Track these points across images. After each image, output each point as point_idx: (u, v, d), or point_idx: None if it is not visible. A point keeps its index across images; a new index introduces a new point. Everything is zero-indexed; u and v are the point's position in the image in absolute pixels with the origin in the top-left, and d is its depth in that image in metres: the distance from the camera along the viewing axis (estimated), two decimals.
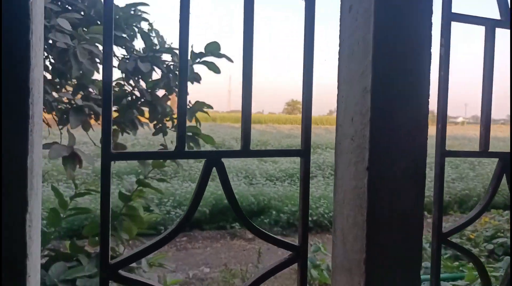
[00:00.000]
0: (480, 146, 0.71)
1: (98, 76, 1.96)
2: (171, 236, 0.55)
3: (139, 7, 2.04)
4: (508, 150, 0.71)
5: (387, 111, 0.57)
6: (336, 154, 0.65)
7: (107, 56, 0.47)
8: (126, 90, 2.18)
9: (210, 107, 1.93)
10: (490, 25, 0.68)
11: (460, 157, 0.82)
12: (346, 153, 0.62)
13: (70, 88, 2.05)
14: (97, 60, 1.86)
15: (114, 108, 2.28)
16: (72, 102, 1.66)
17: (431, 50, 0.61)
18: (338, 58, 0.66)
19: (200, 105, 1.95)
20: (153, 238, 0.56)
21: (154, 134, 2.23)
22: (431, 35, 0.60)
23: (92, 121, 2.05)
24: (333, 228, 0.66)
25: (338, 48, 0.67)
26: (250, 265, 4.78)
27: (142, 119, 2.24)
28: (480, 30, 0.69)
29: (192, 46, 1.99)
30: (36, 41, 0.46)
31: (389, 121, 0.57)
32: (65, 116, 1.73)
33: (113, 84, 2.25)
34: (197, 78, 2.08)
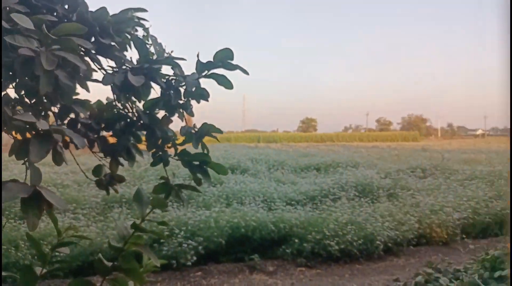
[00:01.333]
0: None
1: (84, 94, 1.53)
2: None
3: (136, 13, 1.61)
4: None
5: None
6: None
7: None
8: (120, 112, 1.73)
9: (219, 131, 1.47)
10: None
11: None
12: None
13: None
14: (80, 73, 1.42)
15: (109, 133, 1.82)
16: (38, 127, 1.21)
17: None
18: None
19: (208, 129, 1.48)
20: None
21: (152, 164, 1.76)
22: None
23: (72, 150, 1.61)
24: None
25: None
26: None
27: (141, 147, 1.80)
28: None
29: (198, 55, 1.54)
30: None
31: None
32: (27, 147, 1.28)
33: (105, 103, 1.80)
34: (204, 95, 1.61)
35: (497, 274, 4.13)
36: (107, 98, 1.78)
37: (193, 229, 5.41)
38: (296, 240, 5.44)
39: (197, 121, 1.71)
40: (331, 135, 56.47)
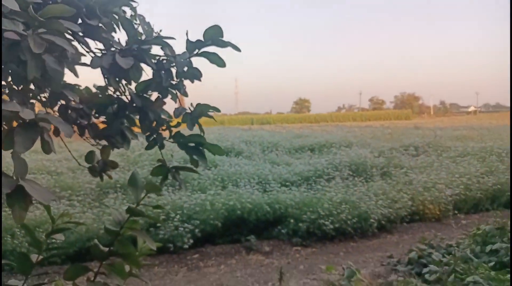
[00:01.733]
0: None
1: (73, 79, 1.48)
2: None
3: None
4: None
5: None
6: None
7: None
8: (111, 95, 1.69)
9: (217, 109, 1.44)
10: None
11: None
12: None
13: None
14: (67, 56, 1.37)
15: (101, 120, 1.78)
16: (20, 116, 1.17)
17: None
18: None
19: (204, 108, 1.46)
20: None
21: (147, 148, 1.74)
22: None
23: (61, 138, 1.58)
24: None
25: None
26: (271, 283, 4.28)
27: (136, 129, 1.77)
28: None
29: (187, 33, 1.50)
30: None
31: None
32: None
33: (95, 89, 1.75)
34: (197, 75, 1.57)
35: (488, 248, 4.23)
36: (94, 85, 1.74)
37: (189, 213, 5.43)
38: (292, 220, 5.50)
39: (190, 104, 1.68)
40: (325, 116, 56.45)
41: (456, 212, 6.26)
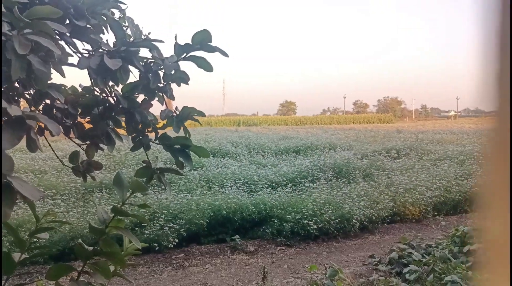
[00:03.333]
0: None
1: (59, 79, 1.50)
2: None
3: None
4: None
5: None
6: None
7: None
8: (97, 96, 1.72)
9: (202, 114, 1.48)
10: None
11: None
12: None
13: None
14: (54, 56, 1.39)
15: (86, 121, 1.79)
16: (9, 113, 1.19)
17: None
18: None
19: (190, 111, 1.49)
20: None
21: (132, 149, 1.76)
22: None
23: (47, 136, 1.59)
24: None
25: None
26: (254, 282, 4.32)
27: (121, 131, 1.79)
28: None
29: (176, 37, 1.53)
30: None
31: None
32: None
33: (80, 89, 1.77)
34: (184, 79, 1.61)
35: (466, 248, 4.37)
36: (79, 85, 1.76)
37: (174, 212, 5.44)
38: (276, 221, 5.56)
39: (177, 105, 1.71)
40: (310, 118, 56.93)
41: (436, 213, 6.42)
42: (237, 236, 5.38)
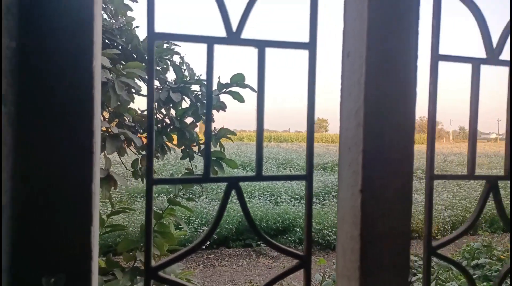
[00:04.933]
0: (467, 169, 0.81)
1: (132, 105, 2.16)
2: (198, 246, 0.68)
3: (171, 41, 2.25)
4: (493, 171, 0.81)
5: (377, 142, 0.68)
6: (339, 179, 0.77)
7: (150, 91, 0.62)
8: (158, 118, 2.37)
9: (233, 133, 2.08)
10: (475, 64, 0.79)
11: (448, 180, 0.91)
12: (345, 178, 0.73)
13: (106, 116, 2.27)
14: (133, 91, 2.06)
15: (144, 135, 2.46)
16: (109, 130, 1.85)
17: (417, 89, 0.72)
18: (340, 97, 0.79)
19: (224, 132, 2.10)
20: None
21: (182, 158, 2.40)
22: (416, 77, 0.72)
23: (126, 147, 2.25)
24: (337, 242, 0.77)
25: (340, 87, 0.80)
26: (277, 283, 4.81)
27: (170, 145, 2.42)
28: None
29: (219, 77, 2.15)
30: (96, 78, 0.61)
31: (380, 150, 0.68)
32: (102, 143, 1.93)
33: (140, 112, 2.43)
34: (222, 107, 2.24)
35: (473, 262, 4.67)
36: (138, 108, 2.40)
37: (207, 217, 6.06)
38: (298, 230, 6.03)
39: (217, 120, 2.32)
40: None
41: (453, 231, 6.63)
42: (261, 242, 5.90)
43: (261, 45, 0.65)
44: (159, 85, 2.21)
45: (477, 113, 0.80)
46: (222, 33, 0.63)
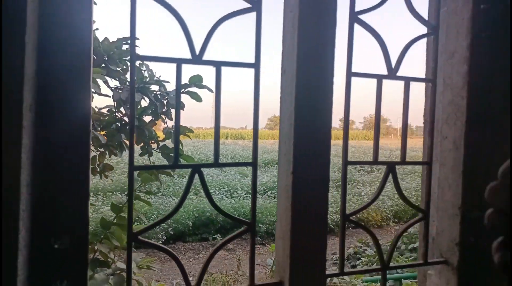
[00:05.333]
0: (373, 157, 1.07)
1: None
2: (171, 214, 0.87)
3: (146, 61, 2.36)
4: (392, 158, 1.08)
5: (304, 138, 0.92)
6: (279, 164, 1.00)
7: (132, 102, 0.80)
8: (117, 116, 2.48)
9: (191, 131, 2.26)
10: (379, 78, 1.04)
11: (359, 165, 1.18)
12: (282, 163, 0.96)
13: None
14: (92, 91, 2.16)
15: (102, 133, 2.56)
16: None
17: (333, 99, 0.97)
18: (280, 103, 1.01)
19: (182, 129, 2.27)
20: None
21: (140, 155, 2.54)
22: (332, 89, 0.96)
23: None
24: (277, 212, 1.00)
25: (280, 96, 1.02)
26: (231, 271, 5.04)
27: (128, 142, 2.53)
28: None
29: (180, 70, 2.31)
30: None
31: (306, 144, 0.92)
32: None
33: (105, 111, 2.53)
34: (182, 106, 2.40)
35: (410, 246, 5.20)
36: (96, 107, 2.50)
37: (164, 213, 6.14)
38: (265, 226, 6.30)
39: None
40: (275, 133, 57.98)
41: (396, 220, 7.26)
42: (219, 235, 6.10)
43: (218, 65, 0.86)
44: (119, 85, 2.33)
45: (380, 113, 1.07)
46: (187, 54, 0.84)
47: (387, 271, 1.08)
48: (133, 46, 0.79)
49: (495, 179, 0.38)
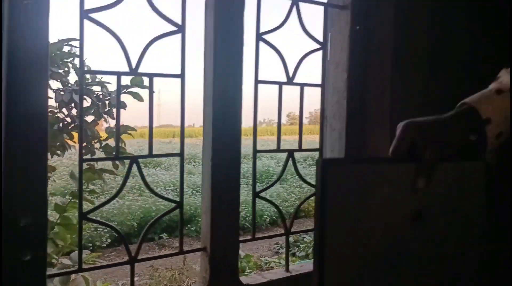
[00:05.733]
0: (277, 146, 1.36)
1: None
2: (116, 194, 1.09)
3: (72, 43, 2.47)
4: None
5: (220, 134, 1.17)
6: (202, 154, 1.25)
7: (81, 118, 1.00)
8: (59, 117, 2.56)
9: (134, 129, 2.42)
10: (280, 84, 1.33)
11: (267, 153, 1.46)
12: (205, 154, 1.22)
13: None
14: None
15: None
16: None
17: (242, 102, 1.23)
18: (203, 105, 1.26)
19: (125, 128, 2.43)
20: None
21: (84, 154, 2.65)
22: (241, 93, 1.23)
23: None
24: (201, 193, 1.25)
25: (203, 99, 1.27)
26: (177, 268, 5.20)
27: (70, 142, 2.63)
28: None
29: (119, 80, 2.46)
30: None
31: (221, 137, 1.18)
32: None
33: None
34: (123, 106, 2.55)
35: None
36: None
37: (107, 216, 6.10)
38: (200, 220, 6.48)
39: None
40: (246, 129, 58.59)
41: None
42: (165, 234, 6.20)
43: (151, 76, 1.09)
44: (61, 87, 2.43)
45: (281, 112, 1.36)
46: (126, 67, 1.06)
47: (289, 235, 1.38)
48: (82, 62, 1.00)
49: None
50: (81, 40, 1.00)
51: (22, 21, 0.87)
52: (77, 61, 2.58)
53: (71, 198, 2.47)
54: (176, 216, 6.50)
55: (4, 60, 0.86)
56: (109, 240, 5.77)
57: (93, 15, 0.99)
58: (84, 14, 0.97)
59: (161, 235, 6.20)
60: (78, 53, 2.56)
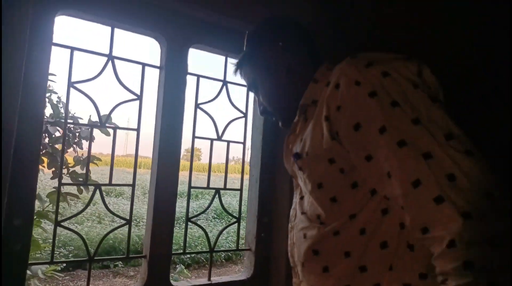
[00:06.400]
0: (207, 184, 1.83)
1: None
2: (85, 207, 1.51)
3: (50, 77, 2.90)
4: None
5: (163, 159, 1.64)
6: (151, 172, 1.69)
7: (65, 131, 1.44)
8: None
9: (99, 159, 2.83)
10: (211, 140, 1.83)
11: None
12: (152, 172, 1.67)
13: None
14: None
15: None
16: None
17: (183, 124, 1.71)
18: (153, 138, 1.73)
19: (92, 158, 2.83)
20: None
21: (52, 178, 3.02)
22: (183, 116, 1.71)
23: None
24: (147, 209, 1.68)
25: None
26: None
27: (41, 167, 2.99)
28: None
29: (90, 116, 2.90)
30: None
31: (165, 161, 1.64)
32: None
33: None
34: (93, 139, 2.96)
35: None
36: None
37: (65, 240, 6.22)
38: None
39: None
40: (214, 166, 58.65)
41: None
42: (120, 262, 6.34)
43: (115, 128, 1.55)
44: None
45: (212, 158, 1.85)
46: (97, 118, 1.53)
47: (213, 253, 1.82)
48: (66, 114, 1.46)
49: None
50: (67, 102, 1.46)
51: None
52: (54, 96, 3.01)
53: (36, 217, 2.81)
54: (133, 246, 6.70)
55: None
56: (64, 264, 5.86)
57: (77, 85, 1.46)
58: (71, 84, 1.45)
59: (116, 263, 6.33)
60: (53, 88, 3.01)
